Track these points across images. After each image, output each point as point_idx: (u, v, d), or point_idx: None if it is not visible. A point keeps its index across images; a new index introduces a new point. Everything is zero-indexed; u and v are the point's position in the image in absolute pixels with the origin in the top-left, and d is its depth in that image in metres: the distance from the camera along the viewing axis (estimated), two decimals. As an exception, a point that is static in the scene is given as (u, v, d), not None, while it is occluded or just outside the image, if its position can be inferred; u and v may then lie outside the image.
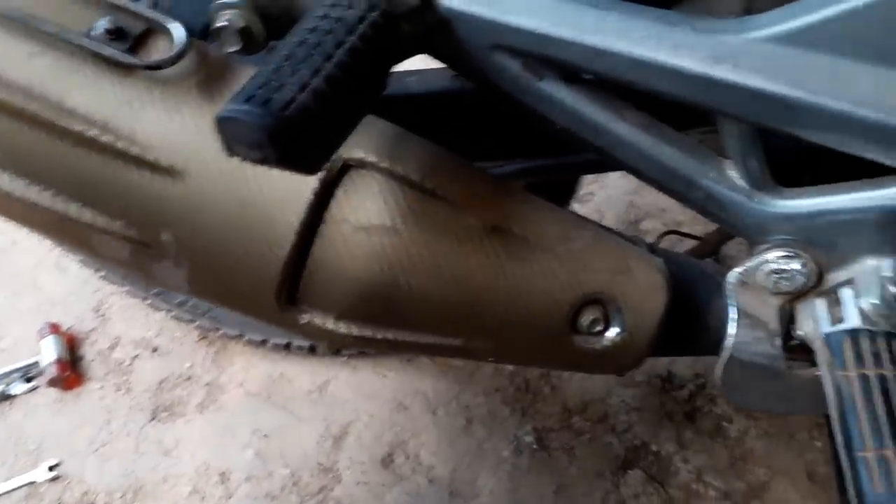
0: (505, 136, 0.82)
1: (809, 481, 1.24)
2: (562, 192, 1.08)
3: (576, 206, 1.87)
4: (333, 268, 0.62)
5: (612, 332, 0.69)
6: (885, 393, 0.56)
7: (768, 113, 0.56)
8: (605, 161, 0.69)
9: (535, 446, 1.29)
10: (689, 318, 0.74)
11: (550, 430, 1.33)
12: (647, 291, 0.69)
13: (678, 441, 1.32)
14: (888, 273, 0.62)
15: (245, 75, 0.60)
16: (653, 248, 0.76)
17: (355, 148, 0.61)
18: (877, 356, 0.59)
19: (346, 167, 0.61)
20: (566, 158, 0.83)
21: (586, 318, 0.68)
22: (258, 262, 0.62)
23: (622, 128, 0.63)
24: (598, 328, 0.69)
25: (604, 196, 1.68)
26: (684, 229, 1.35)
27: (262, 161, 0.47)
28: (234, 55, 0.64)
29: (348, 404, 1.36)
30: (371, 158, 0.62)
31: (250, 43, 0.64)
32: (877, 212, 0.61)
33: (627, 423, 1.36)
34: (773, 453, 1.28)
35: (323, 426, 1.33)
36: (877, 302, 0.61)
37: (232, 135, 0.46)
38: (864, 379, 0.58)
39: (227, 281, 0.65)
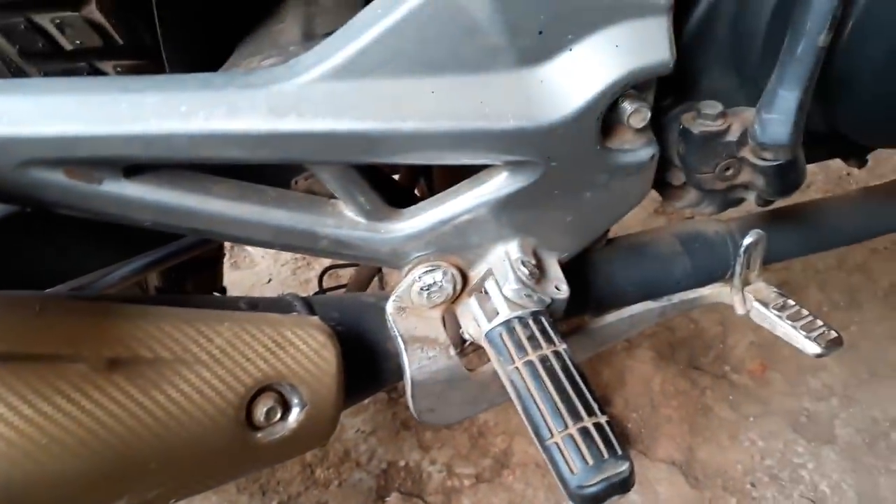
0: (104, 240, 0.70)
1: (540, 429, 1.32)
2: (208, 262, 0.98)
3: (248, 247, 1.78)
4: None
5: (295, 412, 0.63)
6: (551, 372, 0.59)
7: (349, 151, 0.54)
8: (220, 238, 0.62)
9: (286, 523, 1.20)
10: (368, 356, 0.72)
11: (297, 497, 1.24)
12: (313, 355, 0.64)
13: (421, 446, 1.33)
14: (515, 254, 0.65)
15: None
16: (309, 303, 0.71)
17: None
18: (532, 339, 0.61)
19: None
20: (187, 240, 0.74)
21: (260, 411, 0.61)
22: None
23: (215, 205, 0.57)
24: (278, 414, 0.63)
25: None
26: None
27: None
28: None
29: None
30: None
31: None
32: (487, 205, 0.62)
33: (370, 451, 1.33)
34: (504, 418, 1.35)
35: None
36: (515, 286, 0.64)
37: None
38: (530, 365, 0.59)
39: None
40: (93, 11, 0.66)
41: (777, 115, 0.60)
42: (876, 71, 0.61)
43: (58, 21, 0.65)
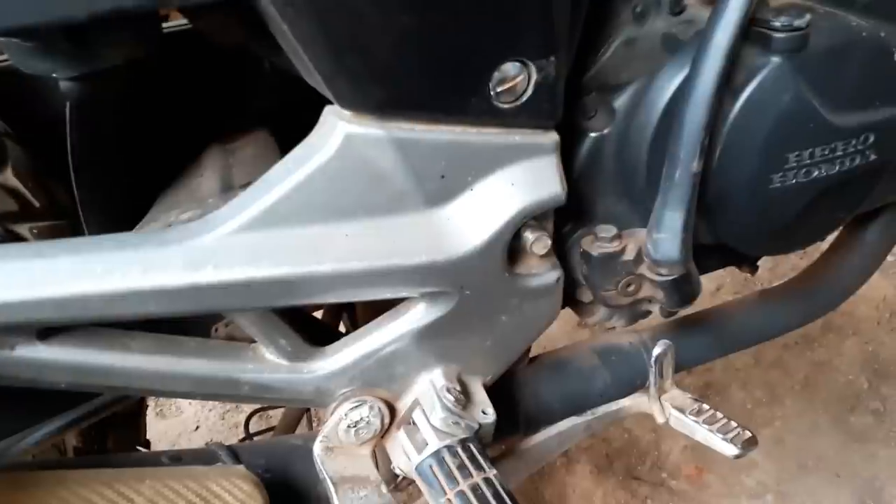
0: (17, 404, 0.68)
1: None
2: (130, 417, 0.95)
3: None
4: None
5: (222, 570, 0.61)
6: (483, 501, 0.59)
7: (267, 296, 0.55)
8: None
9: None
10: (298, 502, 0.70)
11: None
12: (240, 506, 0.62)
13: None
14: (440, 382, 0.66)
15: None
16: (234, 451, 0.70)
17: None
18: (462, 468, 0.61)
19: None
20: (106, 397, 0.72)
21: (186, 573, 0.59)
22: None
23: (133, 360, 0.57)
24: (205, 575, 0.60)
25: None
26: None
27: None
28: None
29: None
30: None
31: None
32: (408, 335, 0.64)
33: None
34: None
35: None
36: (442, 414, 0.64)
37: None
38: (462, 496, 0.59)
39: None
40: (9, 178, 0.67)
41: (666, 235, 0.66)
42: (745, 190, 0.68)
43: (-28, 189, 0.66)
